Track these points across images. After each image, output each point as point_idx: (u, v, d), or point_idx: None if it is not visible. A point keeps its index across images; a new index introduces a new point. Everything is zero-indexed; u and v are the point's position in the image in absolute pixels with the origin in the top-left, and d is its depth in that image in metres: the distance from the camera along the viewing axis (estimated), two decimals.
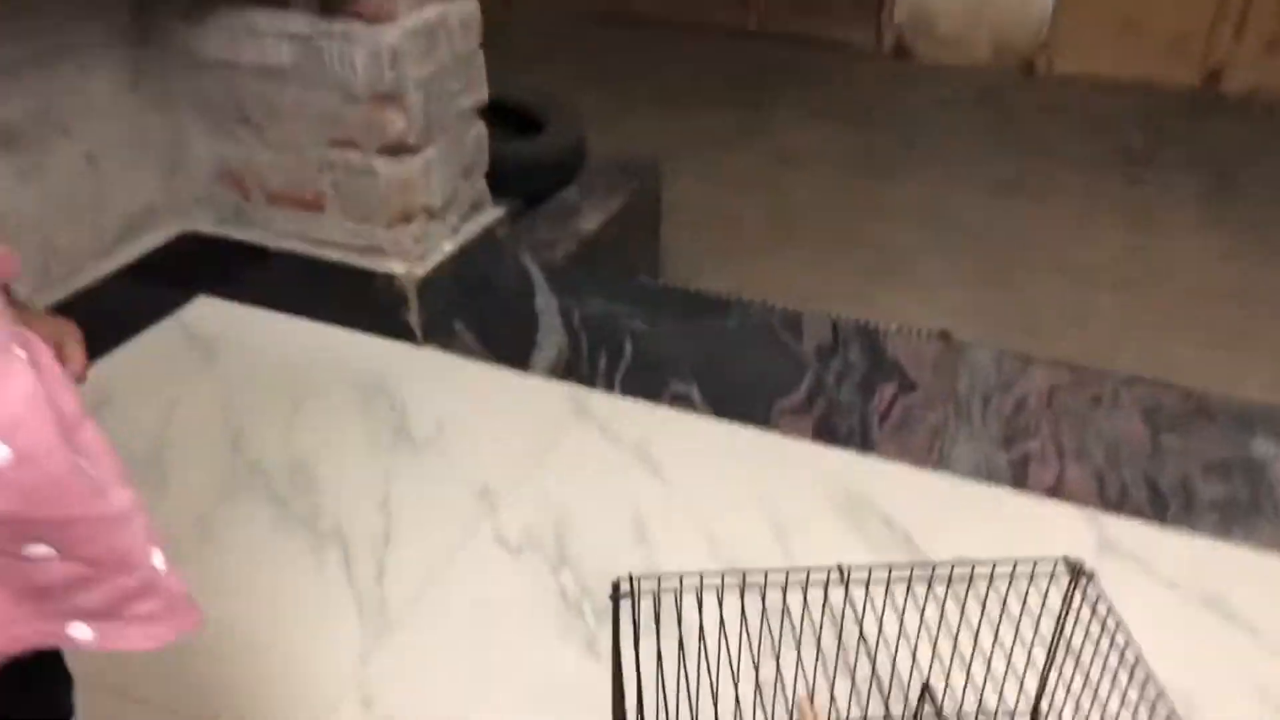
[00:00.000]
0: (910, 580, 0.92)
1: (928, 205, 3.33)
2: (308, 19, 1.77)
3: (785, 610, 0.94)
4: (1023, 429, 1.71)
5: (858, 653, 0.95)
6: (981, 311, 2.74)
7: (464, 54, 1.90)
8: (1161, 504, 1.57)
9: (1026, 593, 0.93)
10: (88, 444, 0.70)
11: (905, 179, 3.49)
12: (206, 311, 2.05)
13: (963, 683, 1.01)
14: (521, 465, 1.65)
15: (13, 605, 0.67)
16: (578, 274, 2.12)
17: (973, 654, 0.96)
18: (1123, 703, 0.85)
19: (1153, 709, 0.80)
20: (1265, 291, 2.87)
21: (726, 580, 0.93)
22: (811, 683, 0.98)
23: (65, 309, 1.70)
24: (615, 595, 0.93)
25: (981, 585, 0.94)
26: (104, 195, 1.94)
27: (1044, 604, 0.93)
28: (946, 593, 0.92)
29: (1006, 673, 0.97)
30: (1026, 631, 0.96)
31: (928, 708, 0.87)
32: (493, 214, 2.10)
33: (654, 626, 0.94)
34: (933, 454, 1.67)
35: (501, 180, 2.14)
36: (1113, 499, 1.58)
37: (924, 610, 0.95)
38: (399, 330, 1.94)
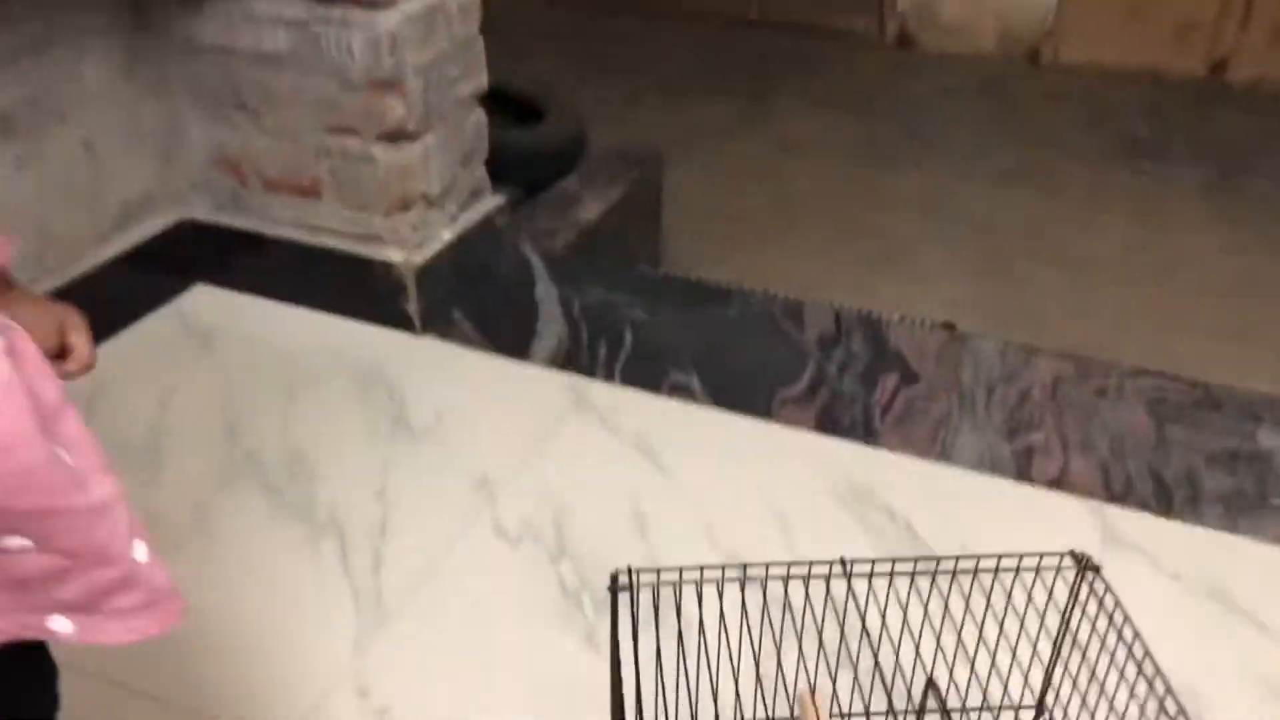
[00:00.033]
0: (914, 573, 0.91)
1: (930, 195, 3.31)
2: (304, 4, 1.75)
3: (787, 603, 0.93)
4: (1026, 420, 1.70)
5: (860, 646, 0.93)
6: (984, 302, 2.72)
7: (463, 40, 1.88)
8: (1166, 496, 1.55)
9: (1032, 586, 0.91)
10: (68, 434, 0.68)
11: (908, 169, 3.47)
12: (203, 300, 2.03)
13: (967, 676, 0.99)
14: (520, 455, 1.63)
15: None
16: (578, 263, 2.10)
17: (977, 648, 0.95)
18: (1130, 698, 0.84)
19: (1161, 705, 0.78)
20: (1270, 284, 2.85)
21: (727, 573, 0.92)
22: (813, 677, 0.96)
23: (62, 297, 1.68)
24: (614, 588, 0.92)
25: (986, 578, 0.92)
26: (100, 182, 1.92)
27: (1050, 598, 0.91)
28: (951, 586, 0.91)
29: (1011, 667, 0.96)
30: (1031, 625, 0.95)
31: (931, 702, 0.85)
32: (492, 202, 2.09)
33: (653, 619, 0.92)
34: (936, 445, 1.66)
35: (501, 169, 2.13)
36: (1117, 491, 1.56)
37: (928, 603, 0.93)
38: (397, 319, 1.92)
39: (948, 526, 1.49)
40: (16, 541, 0.65)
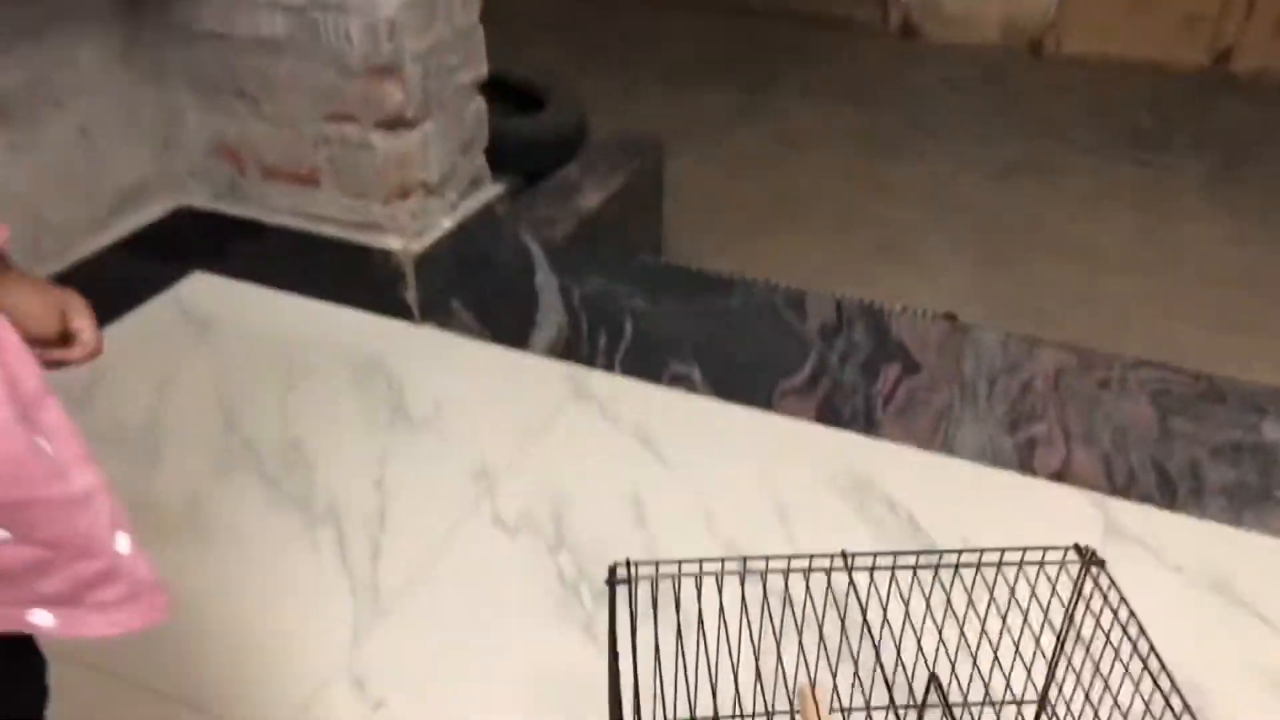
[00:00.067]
0: (916, 567, 0.90)
1: (933, 186, 3.29)
2: None
3: (787, 596, 0.92)
4: (1029, 412, 1.68)
5: (861, 640, 0.92)
6: (986, 293, 2.71)
7: (463, 28, 1.86)
8: (1170, 488, 1.54)
9: (1036, 580, 0.90)
10: (49, 423, 0.67)
11: (910, 159, 3.45)
12: (201, 288, 2.02)
13: (969, 671, 0.98)
14: (520, 446, 1.62)
15: None
16: (578, 252, 2.09)
17: (979, 642, 0.94)
18: (1135, 694, 0.83)
19: (1166, 703, 0.77)
20: (1274, 275, 2.83)
21: (726, 566, 0.91)
22: (813, 671, 0.95)
23: (57, 283, 1.67)
24: (612, 580, 0.91)
25: (989, 572, 0.91)
26: (96, 169, 1.91)
27: (1054, 592, 0.90)
28: (954, 579, 0.90)
29: (1014, 662, 0.95)
30: (1035, 620, 0.94)
31: (933, 697, 0.84)
32: (492, 191, 2.07)
33: (652, 612, 0.91)
34: (937, 436, 1.65)
35: (502, 157, 2.11)
36: (1120, 483, 1.55)
37: (930, 597, 0.92)
38: (396, 308, 1.91)
39: (949, 518, 1.48)
40: None
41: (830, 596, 0.93)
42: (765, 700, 0.95)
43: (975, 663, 0.94)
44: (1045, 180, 3.33)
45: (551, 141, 2.37)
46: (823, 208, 3.16)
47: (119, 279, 1.93)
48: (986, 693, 0.97)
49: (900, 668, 0.94)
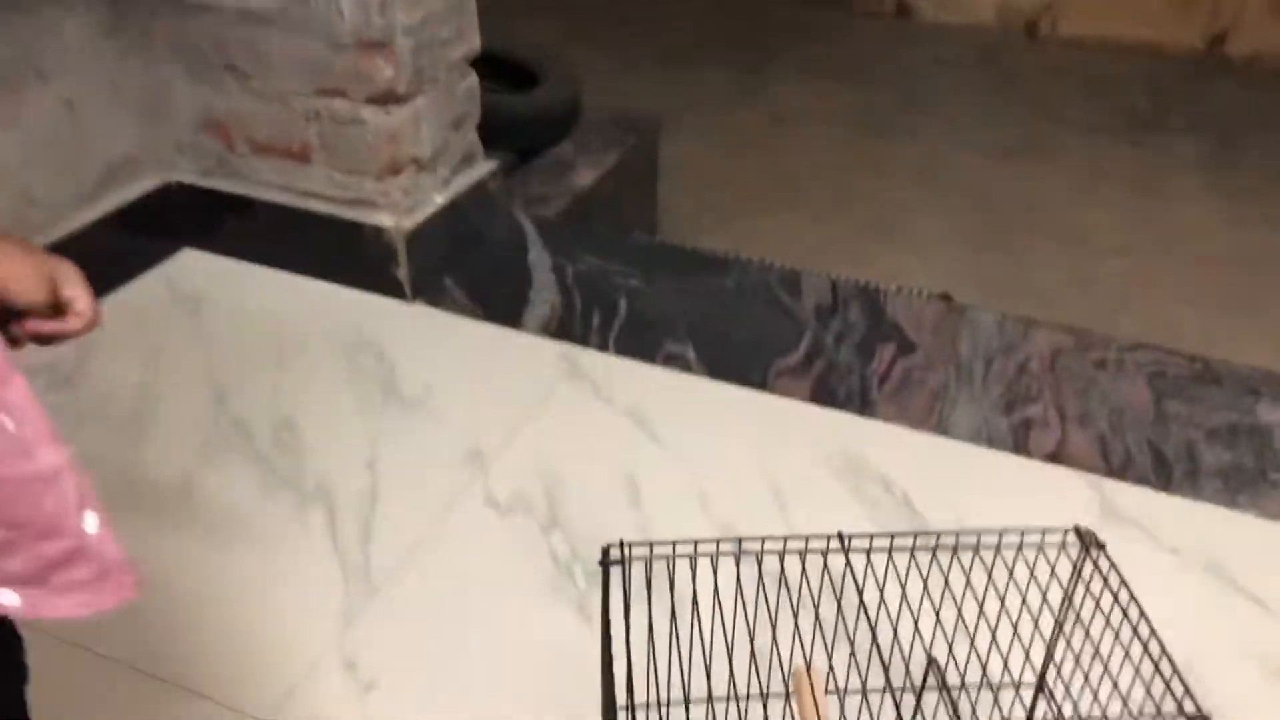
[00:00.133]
0: (913, 548, 0.89)
1: (928, 166, 3.28)
2: None
3: (783, 578, 0.91)
4: (1024, 393, 1.68)
5: (857, 622, 0.91)
6: (981, 274, 2.70)
7: (455, 1, 1.84)
8: (1165, 470, 1.54)
9: (1035, 562, 0.89)
10: (13, 400, 0.65)
11: (906, 139, 3.44)
12: (190, 264, 2.00)
13: (966, 652, 0.98)
14: (512, 425, 1.61)
15: None
16: (572, 230, 2.07)
17: (977, 624, 0.93)
18: (1135, 677, 0.82)
19: (1167, 686, 0.77)
20: (1269, 257, 2.83)
21: (721, 547, 0.90)
22: (809, 653, 0.95)
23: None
24: (605, 562, 0.90)
25: (986, 553, 0.90)
26: (83, 143, 1.88)
27: (1052, 574, 0.89)
28: (952, 561, 0.89)
29: (1012, 643, 0.94)
30: (1033, 602, 0.93)
31: (931, 680, 0.84)
32: (485, 167, 2.05)
33: (645, 593, 0.90)
34: (932, 417, 1.64)
35: (495, 134, 2.09)
36: (1116, 465, 1.55)
37: (927, 579, 0.91)
38: (387, 285, 1.89)
39: (944, 499, 1.47)
40: None
41: (826, 578, 0.92)
42: (760, 682, 0.94)
43: (973, 645, 0.94)
44: (1040, 161, 3.32)
45: (545, 118, 2.35)
46: (818, 187, 3.15)
47: (106, 255, 1.91)
48: (984, 675, 0.97)
49: (897, 650, 0.93)
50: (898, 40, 4.22)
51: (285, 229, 1.94)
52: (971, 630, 0.94)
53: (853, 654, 0.95)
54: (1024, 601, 0.92)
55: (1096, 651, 0.87)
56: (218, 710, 1.18)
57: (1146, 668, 0.81)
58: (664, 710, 0.94)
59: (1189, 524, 1.46)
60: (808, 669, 0.91)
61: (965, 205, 3.06)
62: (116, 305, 1.87)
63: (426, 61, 1.80)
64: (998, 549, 0.88)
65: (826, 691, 0.92)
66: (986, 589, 0.91)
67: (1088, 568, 0.88)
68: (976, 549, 0.88)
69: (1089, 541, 0.88)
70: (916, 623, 0.94)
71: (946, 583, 0.90)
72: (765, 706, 0.96)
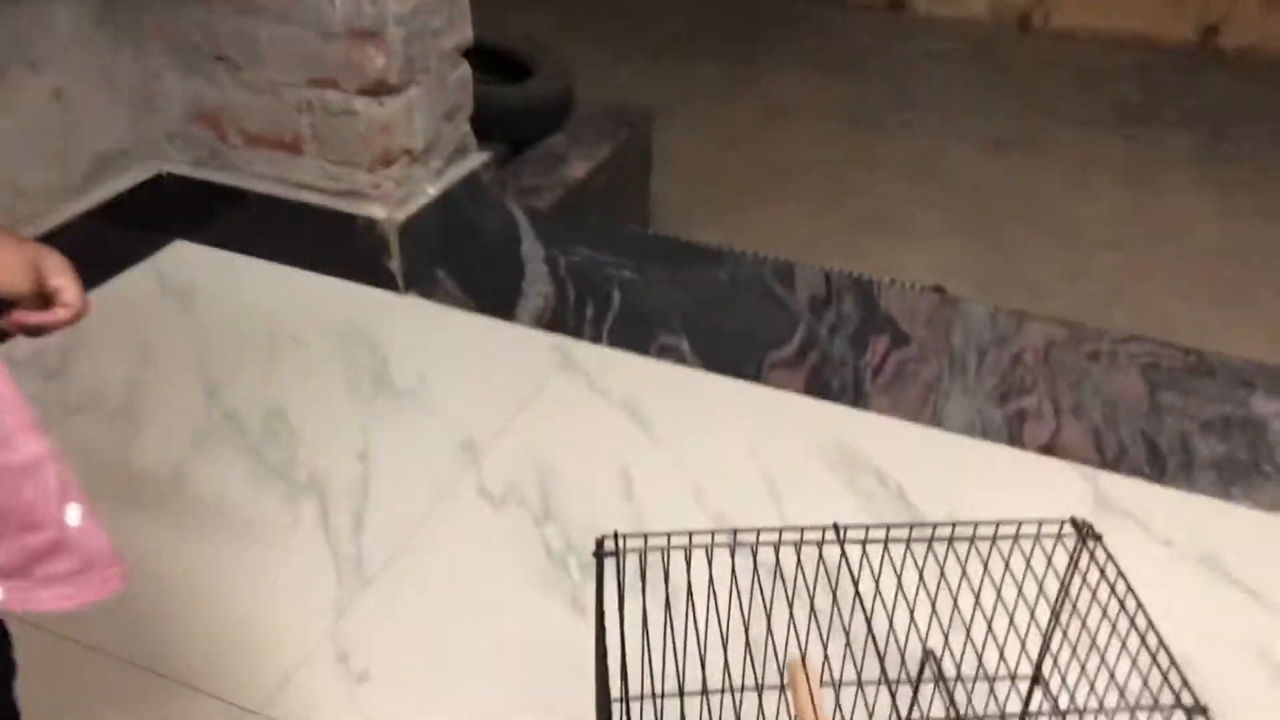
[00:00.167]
0: (909, 540, 0.88)
1: (921, 159, 3.28)
2: None
3: (778, 569, 0.90)
4: (1018, 385, 1.67)
5: (853, 614, 0.91)
6: (974, 267, 2.70)
7: None
8: (1159, 462, 1.54)
9: (1031, 553, 0.89)
10: None
11: (899, 133, 3.43)
12: (182, 256, 1.99)
13: (962, 644, 0.98)
14: (505, 417, 1.60)
15: None
16: (565, 222, 2.07)
17: (973, 615, 0.93)
18: (1132, 669, 0.82)
19: (1165, 679, 0.76)
20: (1261, 249, 2.83)
21: (716, 539, 0.89)
22: (804, 644, 0.94)
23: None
24: (599, 553, 0.89)
25: (982, 545, 0.90)
26: (72, 133, 1.87)
27: (1049, 565, 0.89)
28: (947, 552, 0.89)
29: (1008, 635, 0.94)
30: (1029, 593, 0.93)
31: (928, 672, 0.84)
32: (477, 159, 2.04)
33: (640, 585, 0.90)
34: (926, 409, 1.64)
35: (487, 126, 2.08)
36: (1110, 456, 1.55)
37: (923, 570, 0.91)
38: (379, 277, 1.88)
39: (938, 491, 1.47)
40: None
41: (822, 570, 0.92)
42: (755, 673, 0.94)
43: (969, 637, 0.93)
44: (1033, 154, 3.32)
45: (538, 110, 2.34)
46: (810, 180, 3.14)
47: (97, 247, 1.89)
48: (980, 666, 0.96)
49: (893, 642, 0.93)
50: (890, 33, 4.22)
51: (277, 220, 1.93)
52: (967, 622, 0.94)
53: (848, 646, 0.95)
54: (1020, 593, 0.91)
55: (1093, 643, 0.86)
56: (209, 702, 1.17)
57: (1144, 659, 0.81)
58: (658, 702, 0.94)
59: (1183, 516, 1.46)
60: (803, 661, 0.91)
61: (958, 198, 3.06)
62: (107, 297, 1.86)
63: (418, 51, 1.79)
64: (994, 540, 0.88)
65: (822, 683, 0.92)
66: (982, 580, 0.91)
67: (1084, 559, 0.87)
68: (972, 540, 0.88)
69: (1085, 533, 0.87)
70: (913, 614, 0.94)
71: (943, 574, 0.90)
72: (760, 698, 0.96)
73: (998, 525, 0.88)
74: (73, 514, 0.69)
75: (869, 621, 0.86)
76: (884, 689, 0.93)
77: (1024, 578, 0.90)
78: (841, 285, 1.89)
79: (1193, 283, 2.68)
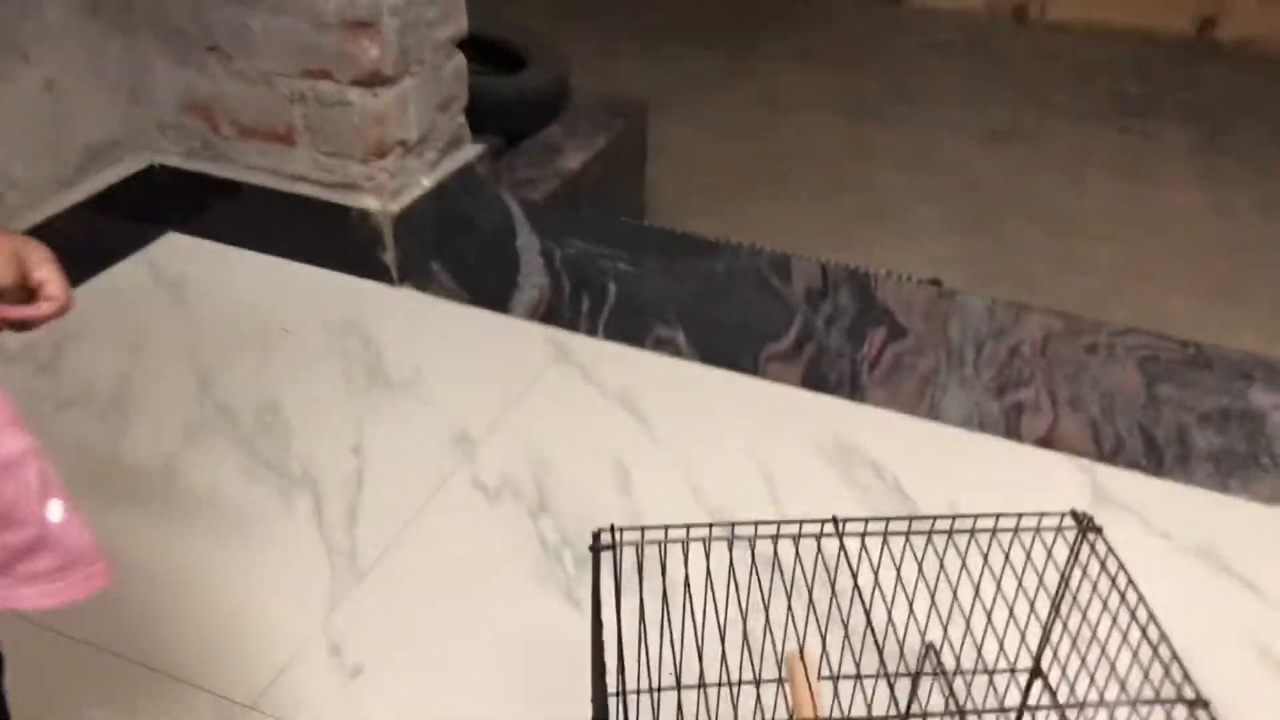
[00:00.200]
0: (909, 533, 0.88)
1: (917, 151, 3.27)
2: None
3: (776, 563, 0.90)
4: (1016, 377, 1.67)
5: (851, 607, 0.90)
6: (970, 259, 2.69)
7: None
8: (1157, 454, 1.53)
9: (1031, 546, 0.88)
10: None
11: (895, 124, 3.43)
12: (174, 248, 1.98)
13: (961, 637, 0.97)
14: (500, 410, 1.60)
15: None
16: (560, 214, 2.06)
17: (972, 608, 0.92)
18: (1133, 662, 0.81)
19: (1166, 672, 0.76)
20: (1258, 244, 2.83)
21: (714, 532, 0.89)
22: (803, 638, 0.93)
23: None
24: (596, 546, 0.89)
25: (982, 538, 0.89)
26: (63, 124, 1.85)
27: (1049, 558, 0.88)
28: (947, 546, 0.88)
29: (1007, 628, 0.93)
30: (1029, 586, 0.92)
31: (928, 666, 0.83)
32: (472, 151, 2.03)
33: (636, 579, 0.89)
34: (923, 402, 1.63)
35: (482, 117, 2.07)
36: (1107, 449, 1.54)
37: (922, 563, 0.90)
38: (374, 269, 1.87)
39: (935, 484, 1.46)
40: None
41: (821, 563, 0.91)
42: (753, 667, 0.93)
43: (969, 629, 0.93)
44: (1029, 147, 3.31)
45: (533, 101, 2.33)
46: (807, 172, 3.13)
47: (88, 239, 1.88)
48: (979, 658, 0.96)
49: (891, 635, 0.93)
50: (886, 24, 4.21)
51: (270, 212, 1.92)
52: (967, 615, 0.93)
53: (846, 639, 0.94)
54: (1020, 586, 0.91)
55: (1093, 636, 0.86)
56: (202, 696, 1.16)
57: (1144, 652, 0.80)
58: (655, 696, 0.93)
59: (1180, 508, 1.45)
60: (801, 654, 0.90)
61: (954, 191, 3.05)
62: (99, 290, 1.85)
63: (413, 42, 1.77)
64: (993, 533, 0.87)
65: (820, 676, 0.91)
66: (982, 573, 0.90)
67: (1084, 551, 0.87)
68: (972, 533, 0.87)
69: (1086, 525, 0.87)
70: (911, 607, 0.94)
71: (942, 567, 0.89)
72: (759, 691, 0.95)
73: (998, 518, 0.87)
74: (54, 510, 0.68)
75: (868, 614, 0.85)
76: (883, 682, 0.93)
77: (1024, 570, 0.90)
78: (838, 277, 1.88)
79: (1189, 277, 2.68)
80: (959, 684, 0.98)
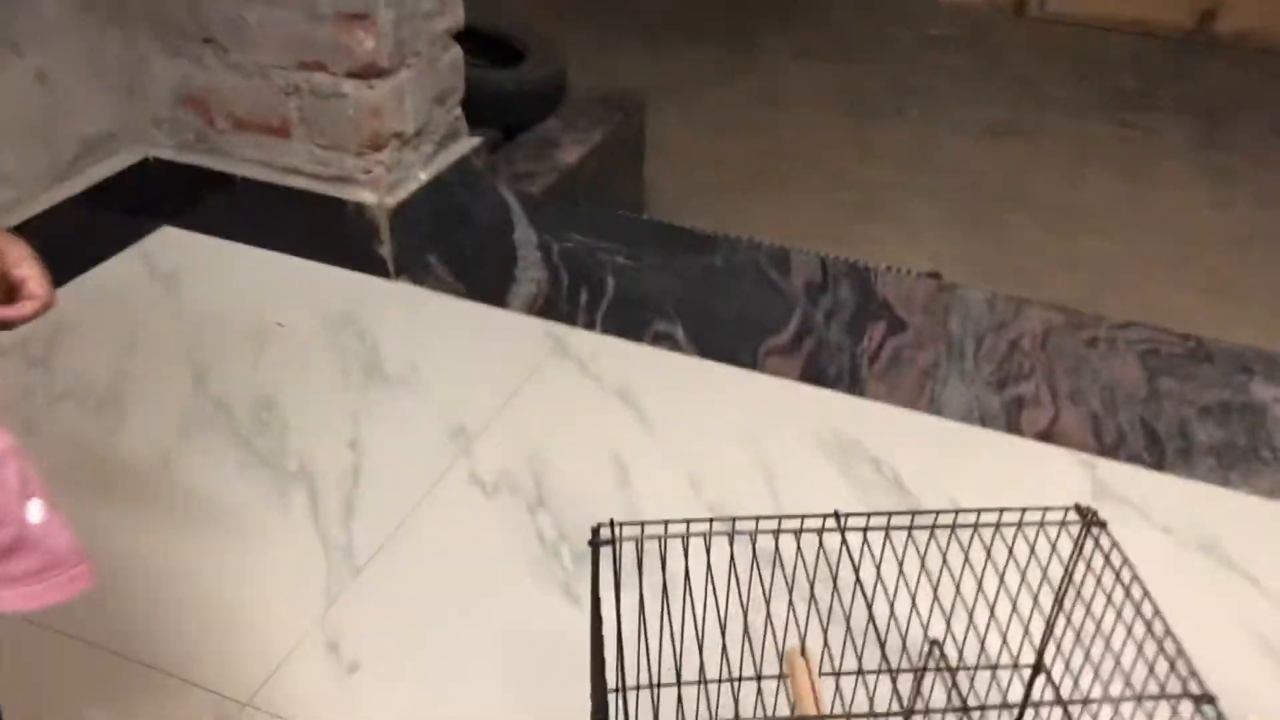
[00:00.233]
0: (911, 527, 0.87)
1: (915, 146, 3.26)
2: None
3: (778, 557, 0.89)
4: (1016, 371, 1.66)
5: (852, 602, 0.90)
6: (968, 254, 2.68)
7: None
8: (1158, 448, 1.53)
9: (1035, 541, 0.87)
10: None
11: (893, 119, 3.41)
12: (169, 242, 1.96)
13: (964, 632, 0.96)
14: (497, 404, 1.59)
15: None
16: (558, 207, 2.04)
17: (974, 603, 0.92)
18: (1138, 656, 0.80)
19: (1172, 666, 0.75)
20: (1256, 238, 2.82)
21: (714, 526, 0.88)
22: (804, 633, 0.93)
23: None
24: (595, 541, 0.88)
25: (985, 532, 0.88)
26: (57, 117, 1.84)
27: (1053, 552, 0.87)
28: (949, 540, 0.87)
29: (1010, 622, 0.92)
30: (1033, 581, 0.91)
31: (933, 662, 0.82)
32: (469, 144, 2.02)
33: (636, 574, 0.88)
34: (923, 396, 1.62)
35: (479, 110, 2.05)
36: (1108, 443, 1.53)
37: (924, 558, 0.89)
38: (370, 263, 1.86)
39: (935, 478, 1.46)
40: None
41: (822, 558, 0.90)
42: (754, 663, 0.92)
43: (971, 623, 0.92)
44: (1028, 142, 3.30)
45: (530, 95, 2.32)
46: (805, 167, 3.12)
47: (82, 233, 1.87)
48: (981, 652, 0.95)
49: (894, 630, 0.92)
50: (885, 19, 4.19)
51: (265, 206, 1.91)
52: (970, 609, 0.92)
53: (849, 634, 0.93)
54: (1023, 580, 0.90)
55: (1097, 630, 0.85)
56: (197, 693, 1.15)
57: (1149, 647, 0.79)
58: (656, 692, 0.92)
59: (1182, 502, 1.44)
60: (802, 649, 0.89)
61: (952, 186, 3.04)
62: (93, 284, 1.83)
63: (409, 34, 1.76)
64: (997, 528, 0.87)
65: (821, 673, 0.91)
66: (985, 568, 0.89)
67: (1088, 546, 0.86)
68: (975, 528, 0.86)
69: (1090, 519, 0.86)
70: (914, 602, 0.93)
71: (945, 561, 0.88)
72: (760, 687, 0.94)
73: (1001, 512, 0.86)
74: (34, 511, 0.66)
75: (870, 609, 0.84)
76: (885, 677, 0.92)
77: (1027, 565, 0.89)
78: (837, 271, 1.87)
79: (1186, 272, 2.67)
80: (962, 679, 0.97)
